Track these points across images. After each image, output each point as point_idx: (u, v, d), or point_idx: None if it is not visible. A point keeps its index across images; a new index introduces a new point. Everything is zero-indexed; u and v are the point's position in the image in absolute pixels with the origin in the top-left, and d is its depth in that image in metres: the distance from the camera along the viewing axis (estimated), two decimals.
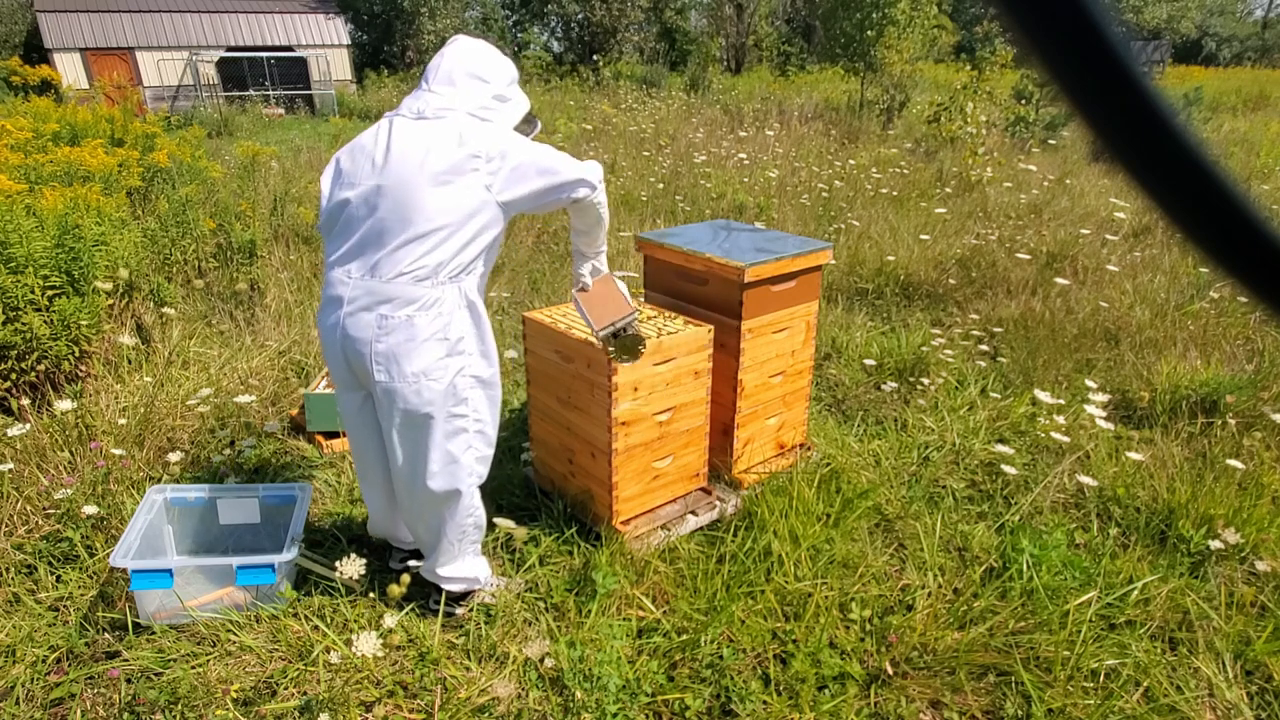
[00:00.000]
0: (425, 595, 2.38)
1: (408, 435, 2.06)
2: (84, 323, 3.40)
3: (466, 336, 2.01)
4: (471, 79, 2.02)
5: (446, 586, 2.29)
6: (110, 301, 3.90)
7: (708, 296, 2.77)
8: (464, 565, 2.28)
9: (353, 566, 2.16)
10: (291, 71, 20.49)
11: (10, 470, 2.74)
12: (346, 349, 2.01)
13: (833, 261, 4.22)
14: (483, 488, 2.24)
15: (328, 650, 2.10)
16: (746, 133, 11.42)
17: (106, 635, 2.23)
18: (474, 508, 2.21)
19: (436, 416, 2.02)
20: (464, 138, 1.94)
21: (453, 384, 2.01)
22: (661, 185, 7.78)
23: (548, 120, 11.38)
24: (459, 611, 2.33)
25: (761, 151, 9.90)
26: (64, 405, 2.93)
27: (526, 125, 2.20)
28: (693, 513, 2.70)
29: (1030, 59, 0.26)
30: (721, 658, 2.14)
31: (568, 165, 2.05)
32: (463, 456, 2.10)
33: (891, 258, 5.47)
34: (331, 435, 3.28)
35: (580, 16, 27.05)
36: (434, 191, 1.90)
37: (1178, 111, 0.26)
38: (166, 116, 8.65)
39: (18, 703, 2.02)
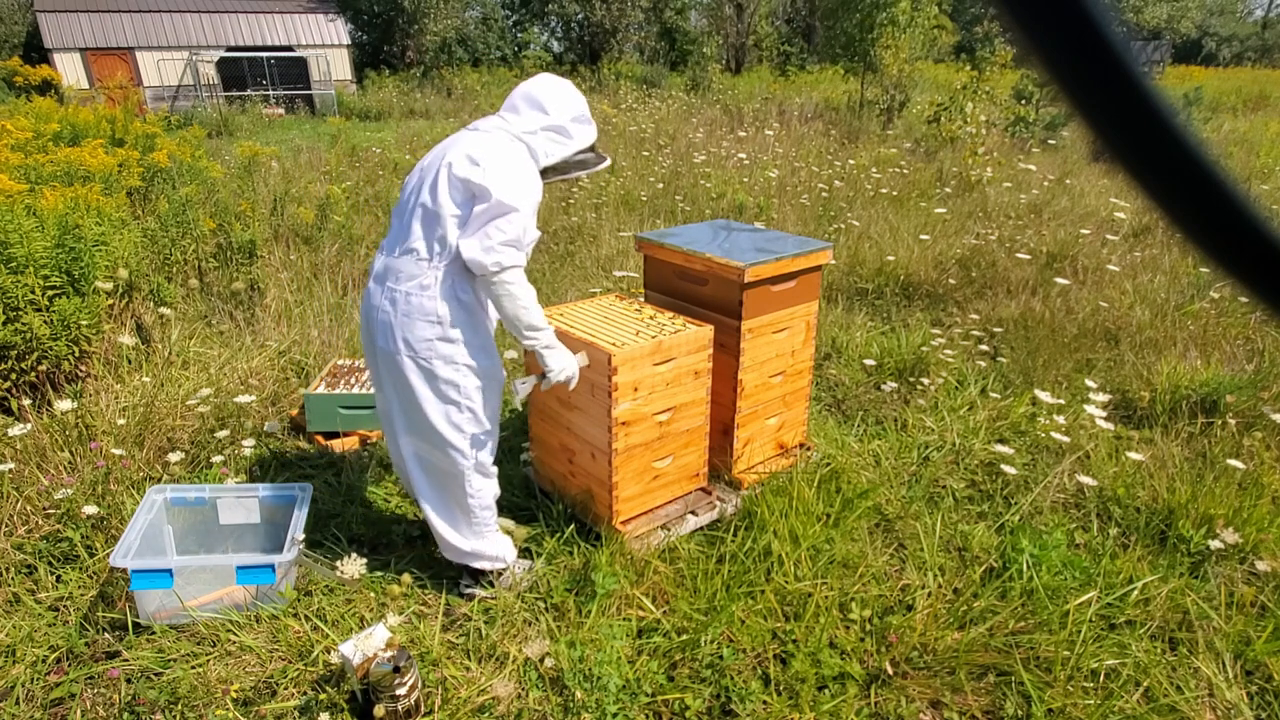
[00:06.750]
0: (443, 582, 2.47)
1: (402, 407, 2.22)
2: (84, 323, 3.40)
3: (458, 325, 2.12)
4: (531, 107, 2.21)
5: (463, 561, 2.41)
6: (110, 301, 3.91)
7: (708, 296, 2.77)
8: (479, 544, 2.37)
9: (353, 566, 2.17)
10: (291, 71, 20.47)
11: (10, 470, 2.74)
12: (365, 316, 2.23)
13: (833, 261, 4.22)
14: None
15: (328, 650, 2.10)
16: (746, 133, 11.42)
17: (106, 635, 2.23)
18: (476, 490, 2.29)
19: (426, 390, 2.15)
20: (485, 147, 2.09)
21: (443, 364, 2.13)
22: (661, 185, 7.78)
23: None
24: (477, 592, 2.41)
25: (761, 151, 9.90)
26: (64, 405, 2.93)
27: (592, 157, 2.34)
28: (693, 513, 2.70)
29: (1030, 59, 0.26)
30: (721, 658, 2.14)
31: (497, 245, 2.05)
32: (451, 435, 2.20)
33: (891, 258, 5.46)
34: (331, 435, 3.28)
35: (580, 16, 27.04)
36: (445, 182, 2.08)
37: (1178, 111, 0.26)
38: (166, 116, 8.64)
39: (18, 703, 2.02)
